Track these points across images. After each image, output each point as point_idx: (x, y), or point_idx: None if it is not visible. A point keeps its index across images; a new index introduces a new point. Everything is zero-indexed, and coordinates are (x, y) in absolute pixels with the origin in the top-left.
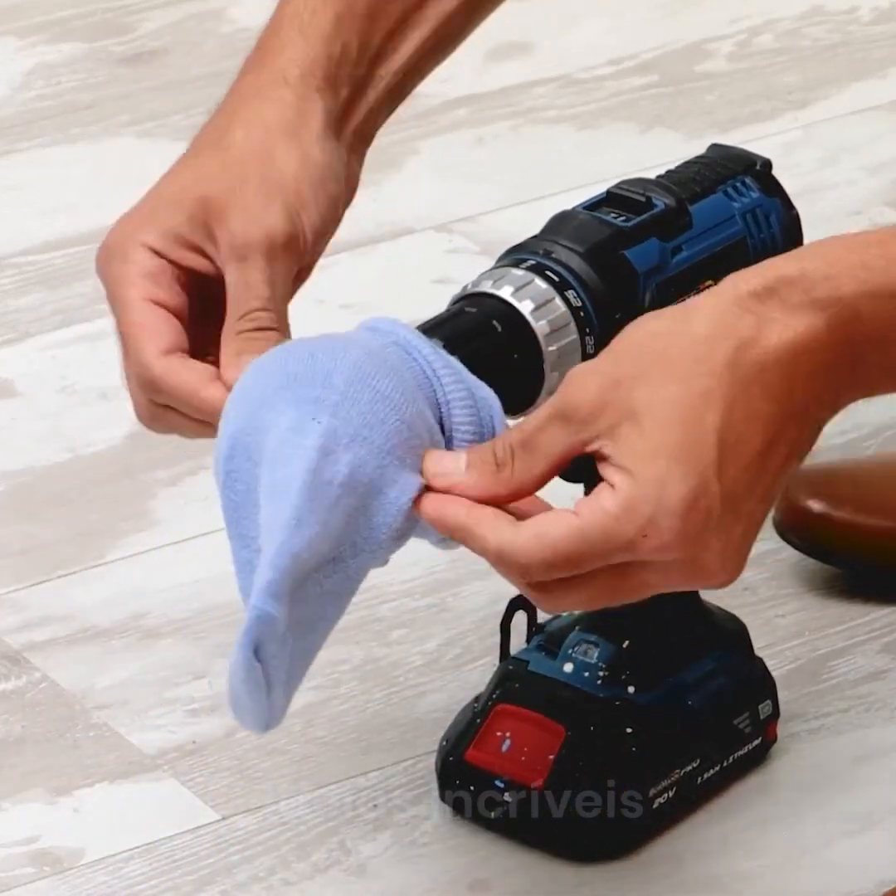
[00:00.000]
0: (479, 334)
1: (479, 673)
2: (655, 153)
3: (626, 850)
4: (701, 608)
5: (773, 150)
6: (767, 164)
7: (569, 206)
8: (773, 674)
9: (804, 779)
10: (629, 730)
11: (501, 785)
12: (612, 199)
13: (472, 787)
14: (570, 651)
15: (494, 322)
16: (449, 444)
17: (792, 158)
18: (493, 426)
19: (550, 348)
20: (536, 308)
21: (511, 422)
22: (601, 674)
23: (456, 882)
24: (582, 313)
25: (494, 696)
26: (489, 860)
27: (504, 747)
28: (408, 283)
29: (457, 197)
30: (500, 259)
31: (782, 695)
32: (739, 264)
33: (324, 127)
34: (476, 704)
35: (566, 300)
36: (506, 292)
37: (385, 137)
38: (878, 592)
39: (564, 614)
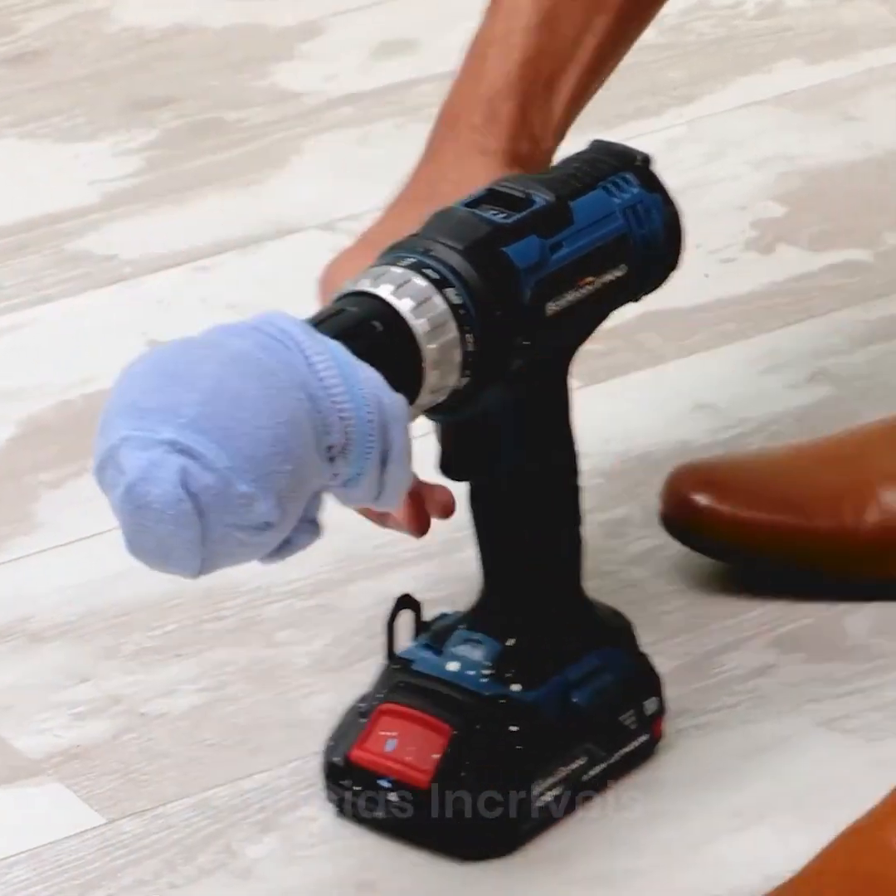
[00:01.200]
0: (359, 333)
1: (366, 673)
2: None
3: (512, 849)
4: (585, 605)
5: (659, 145)
6: (647, 160)
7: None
8: (660, 670)
9: (691, 775)
10: (514, 728)
11: (387, 785)
12: (492, 196)
13: (357, 787)
14: (454, 649)
15: (374, 321)
16: (330, 424)
17: (677, 154)
18: (377, 403)
19: (430, 346)
20: (416, 306)
21: None
22: (486, 672)
23: (342, 883)
24: (461, 311)
25: (379, 695)
26: (375, 861)
27: (389, 747)
28: (293, 281)
29: (342, 195)
30: (380, 257)
31: (669, 691)
32: (620, 259)
33: None
34: (362, 704)
35: (445, 298)
36: (385, 291)
37: (269, 137)
38: (764, 587)
39: (450, 613)
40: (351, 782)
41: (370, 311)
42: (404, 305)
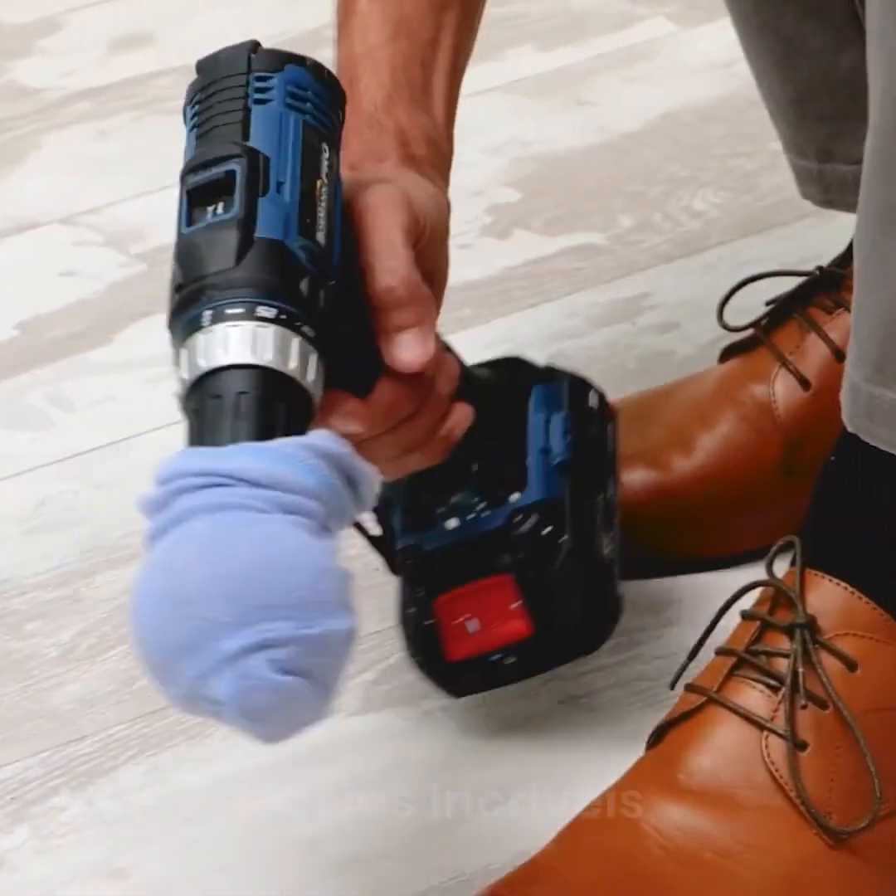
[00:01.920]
0: (257, 414)
1: (116, 661)
2: None
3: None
4: (490, 377)
5: None
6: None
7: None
8: (396, 657)
9: (438, 756)
10: (549, 527)
11: (498, 655)
12: (194, 198)
13: (475, 674)
14: (439, 511)
15: (257, 391)
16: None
17: None
18: (320, 460)
19: (309, 379)
20: (278, 352)
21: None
22: (481, 505)
23: (94, 871)
24: (296, 322)
25: (422, 594)
26: (127, 849)
27: (472, 628)
28: (34, 276)
29: (81, 189)
30: (176, 317)
31: (415, 673)
32: (321, 141)
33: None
34: (411, 610)
35: (295, 330)
36: (243, 356)
37: (7, 134)
38: None
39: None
40: (467, 676)
41: (250, 384)
42: (276, 362)
